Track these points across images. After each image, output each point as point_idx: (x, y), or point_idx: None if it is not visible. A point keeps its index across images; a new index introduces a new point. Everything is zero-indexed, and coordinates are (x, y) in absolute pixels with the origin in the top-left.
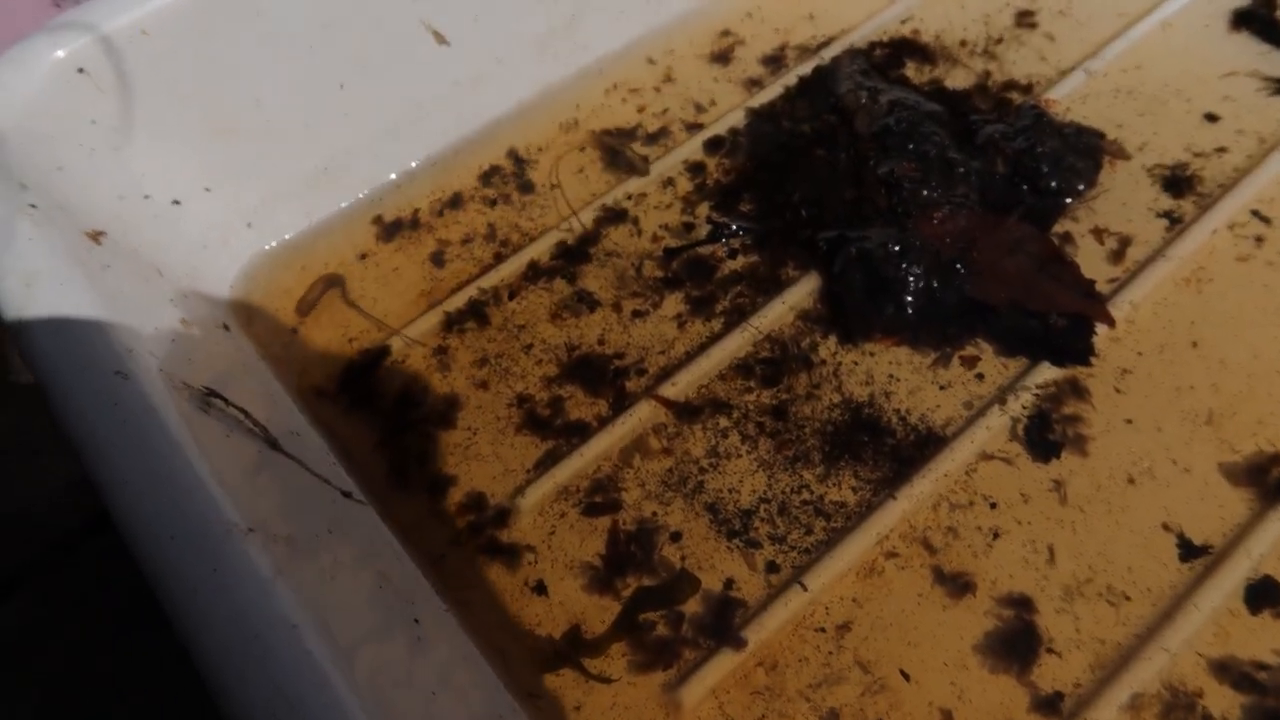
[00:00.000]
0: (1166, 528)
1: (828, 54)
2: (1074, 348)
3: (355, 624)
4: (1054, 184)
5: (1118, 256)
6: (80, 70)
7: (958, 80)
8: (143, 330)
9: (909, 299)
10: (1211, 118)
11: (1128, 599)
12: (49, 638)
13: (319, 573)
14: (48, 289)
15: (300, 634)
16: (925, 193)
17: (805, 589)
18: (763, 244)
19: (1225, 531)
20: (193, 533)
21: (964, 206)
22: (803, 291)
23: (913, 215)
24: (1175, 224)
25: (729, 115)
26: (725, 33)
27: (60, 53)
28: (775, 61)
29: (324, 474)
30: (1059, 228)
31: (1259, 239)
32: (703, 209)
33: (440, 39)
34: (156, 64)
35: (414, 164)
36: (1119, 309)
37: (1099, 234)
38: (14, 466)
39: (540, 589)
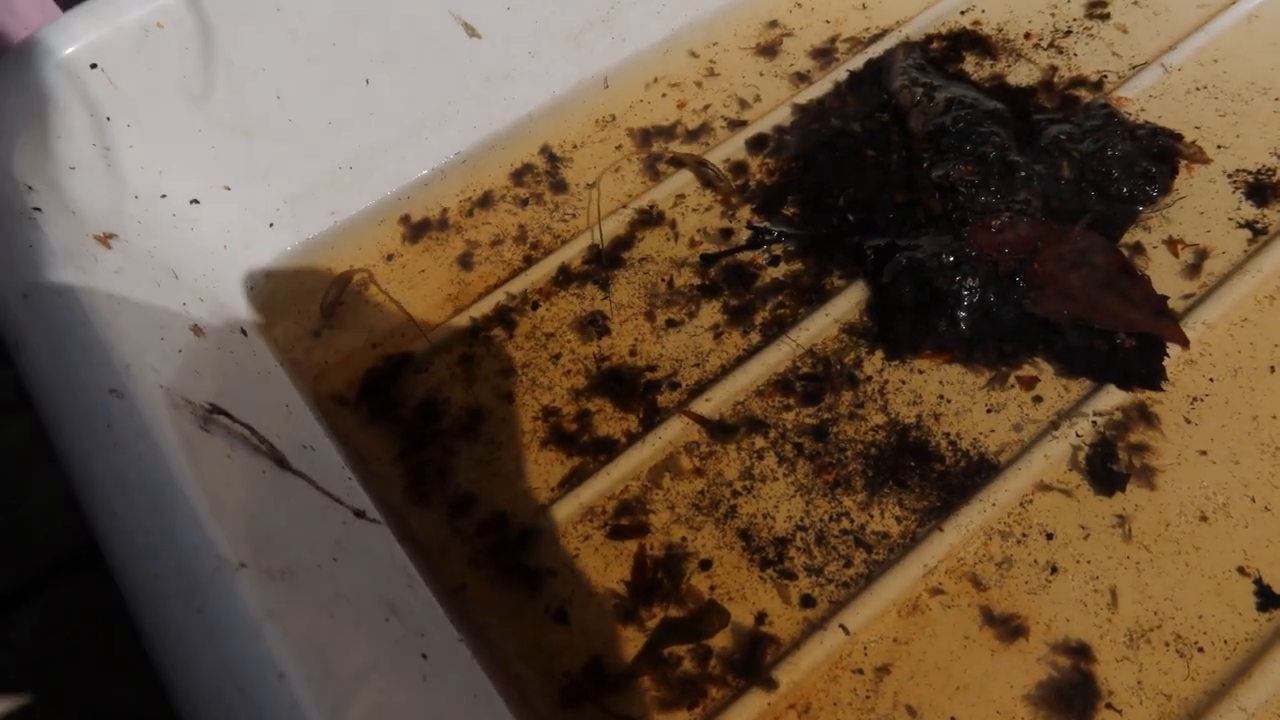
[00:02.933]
0: (1243, 571)
1: (881, 47)
2: (1143, 370)
3: (355, 662)
4: (1125, 190)
5: (1194, 270)
6: (93, 65)
7: (1021, 76)
8: (148, 342)
9: (962, 314)
10: None
11: (1199, 650)
12: (59, 650)
13: (318, 608)
14: (45, 302)
15: (288, 685)
16: (983, 198)
17: (845, 629)
18: (807, 251)
19: None
20: (180, 570)
21: (1025, 214)
22: (848, 303)
23: (969, 223)
24: (1259, 235)
25: (774, 112)
26: (773, 24)
27: (72, 47)
28: (825, 55)
29: (336, 492)
30: (1129, 238)
31: None
32: (744, 212)
33: (471, 31)
34: (172, 58)
35: (443, 161)
36: (1194, 328)
37: (1174, 245)
38: (30, 474)
39: (562, 616)
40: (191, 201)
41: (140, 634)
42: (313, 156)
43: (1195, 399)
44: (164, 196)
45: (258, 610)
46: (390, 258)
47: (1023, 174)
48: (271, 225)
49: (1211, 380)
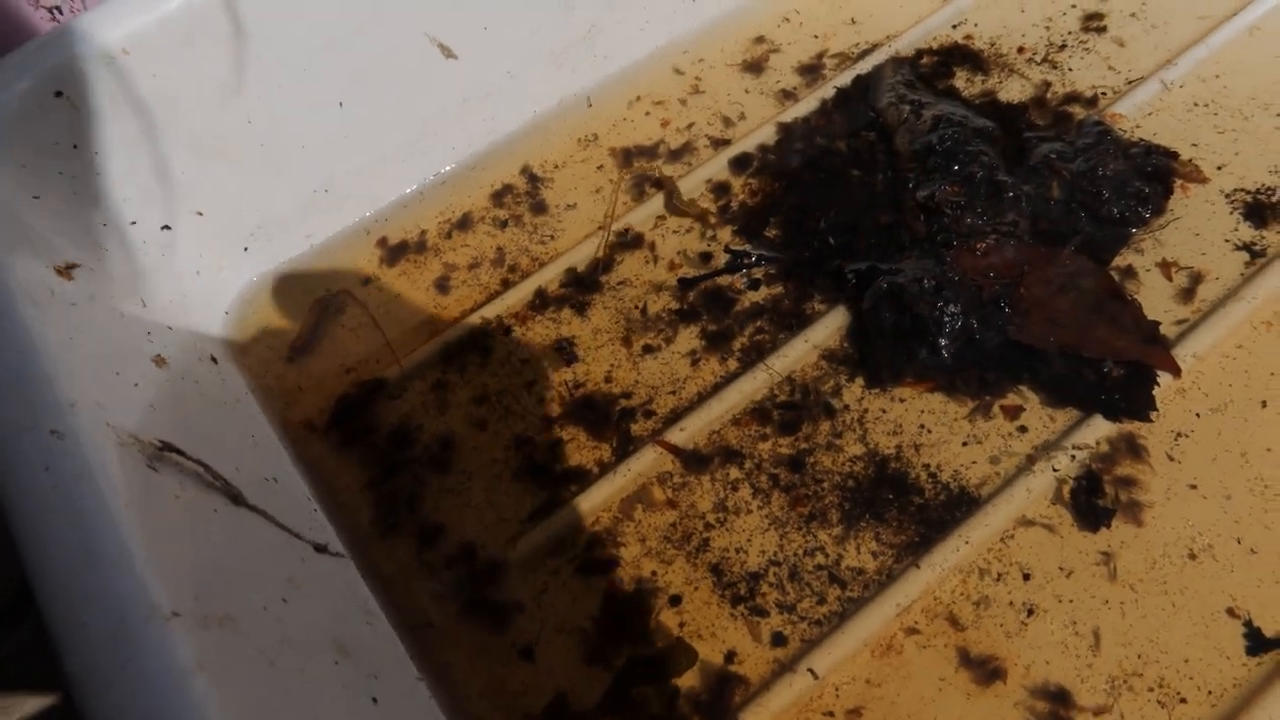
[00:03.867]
0: (1232, 614)
1: (870, 63)
2: (1132, 401)
3: (296, 712)
4: (1116, 211)
5: (1188, 295)
6: (58, 94)
7: (1013, 92)
8: (99, 377)
9: (944, 341)
10: None
11: (1182, 700)
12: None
13: (258, 656)
14: None
15: None
16: (969, 220)
17: (813, 673)
18: (788, 274)
19: None
20: (110, 618)
21: (1012, 236)
22: (828, 329)
23: (953, 246)
24: (1256, 258)
25: (759, 131)
26: (759, 39)
27: (34, 76)
28: (812, 71)
29: (297, 525)
30: (1120, 261)
31: None
32: (725, 234)
33: (447, 53)
34: (139, 84)
35: (421, 183)
36: (1186, 356)
37: (1167, 268)
38: None
39: (527, 654)
40: (163, 228)
41: (67, 684)
42: (287, 180)
43: (1186, 431)
44: (134, 223)
45: (188, 661)
46: (367, 281)
47: (1010, 194)
48: (246, 250)
49: (1208, 409)
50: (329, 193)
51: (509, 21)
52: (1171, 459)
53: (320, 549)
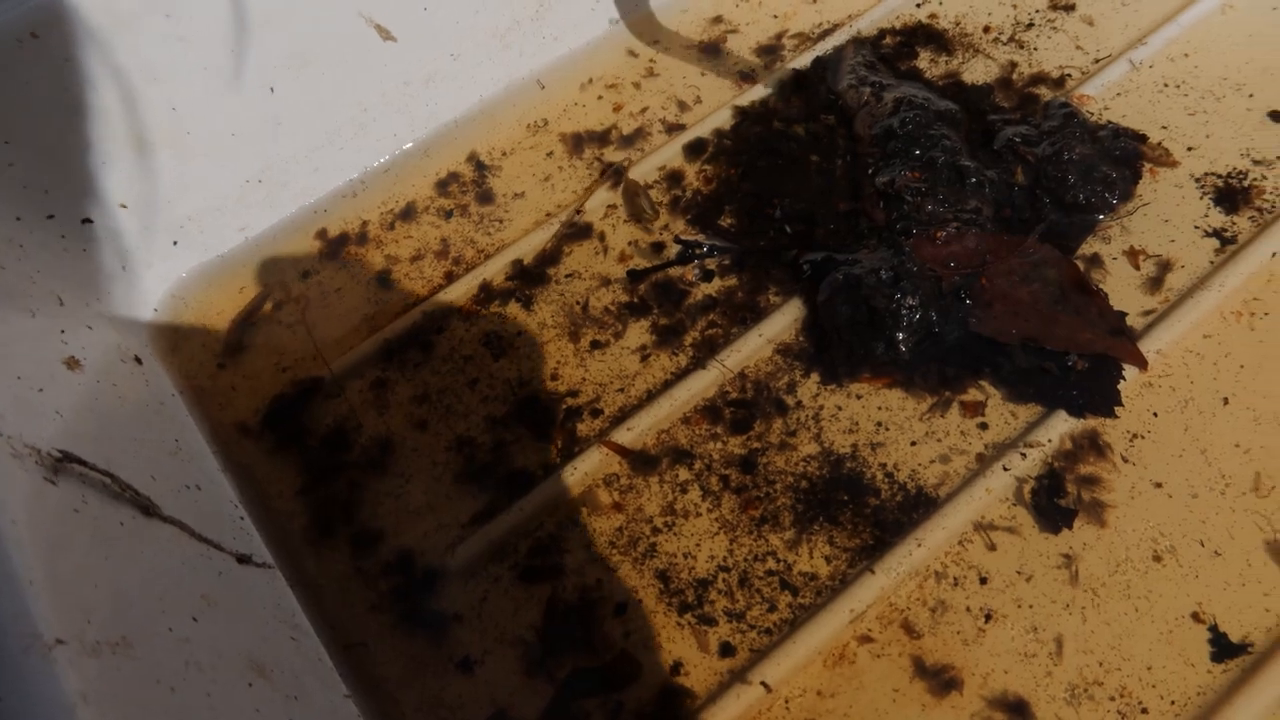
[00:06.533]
0: (1197, 618)
1: (830, 44)
2: (1097, 396)
3: None
4: (1082, 197)
5: (1156, 284)
6: None
7: (978, 73)
8: None
9: (901, 335)
10: (1277, 116)
11: (1144, 710)
12: None
13: (155, 683)
14: None
15: None
16: (930, 207)
17: (766, 685)
18: (742, 265)
19: (1270, 626)
20: None
21: (974, 224)
22: (783, 322)
23: (913, 235)
24: (1227, 244)
25: (715, 115)
26: (717, 19)
27: None
28: (770, 52)
29: (219, 536)
30: (1086, 249)
31: None
32: (678, 224)
33: (385, 34)
34: (48, 70)
35: (362, 172)
36: (1153, 347)
37: (1134, 256)
38: None
39: (466, 665)
40: (83, 221)
41: None
42: (216, 170)
43: (1151, 427)
44: (51, 217)
45: (71, 694)
46: (306, 275)
47: (973, 180)
48: (175, 244)
49: (1174, 404)
50: (263, 183)
51: (450, 1)
52: (1136, 456)
53: (244, 560)
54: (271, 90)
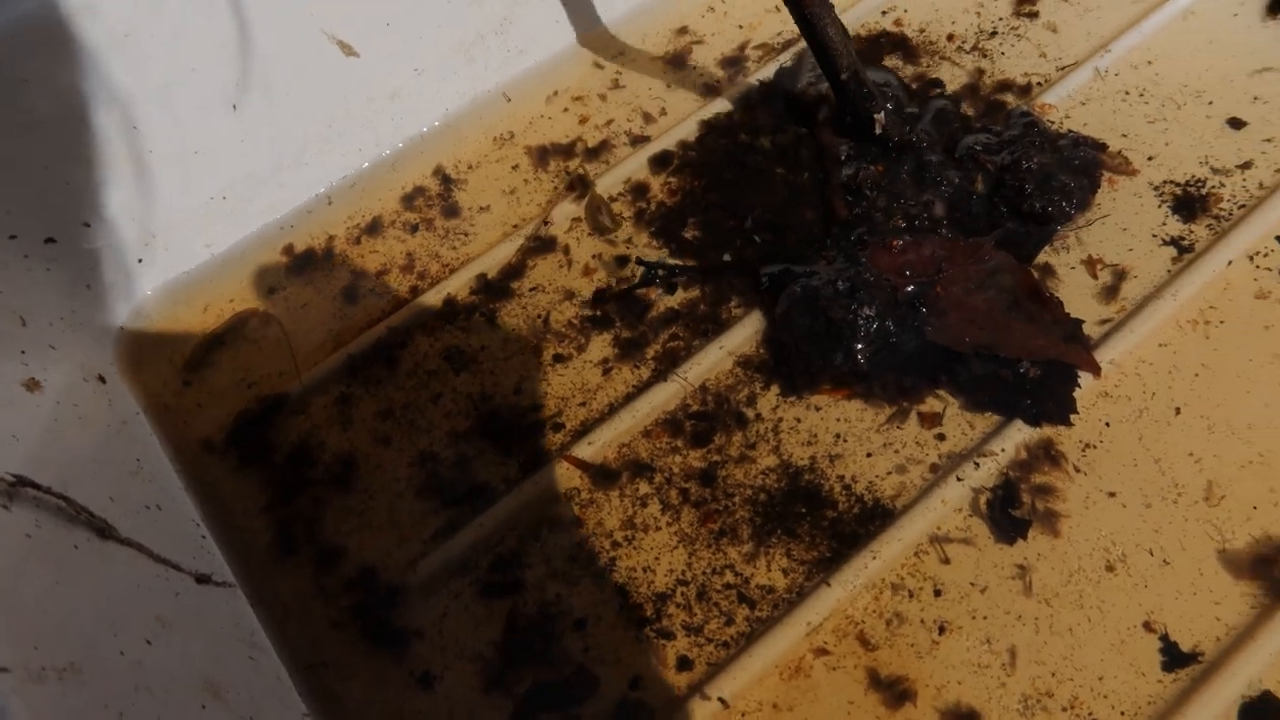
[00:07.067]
0: (1149, 628)
1: (793, 53)
2: (1052, 403)
3: None
4: (1039, 206)
5: (1112, 293)
6: None
7: (945, 80)
8: None
9: (859, 345)
10: (1236, 124)
11: None
12: None
13: (103, 709)
14: None
15: None
16: (883, 202)
17: (724, 701)
18: (705, 277)
19: (1220, 635)
20: None
21: (925, 218)
22: (744, 334)
23: (867, 245)
24: (1184, 253)
25: (680, 126)
26: (683, 30)
27: None
28: (735, 64)
29: (175, 557)
30: (1044, 257)
31: None
32: (642, 236)
33: (348, 50)
34: (8, 90)
35: (328, 187)
36: (1108, 355)
37: (1092, 265)
38: None
39: (426, 681)
40: (46, 240)
41: None
42: (181, 188)
43: (1105, 437)
44: (13, 237)
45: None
46: (272, 290)
47: (934, 177)
48: (141, 261)
49: (1129, 412)
50: (228, 199)
51: (413, 16)
52: (1090, 466)
53: (203, 580)
54: (234, 108)
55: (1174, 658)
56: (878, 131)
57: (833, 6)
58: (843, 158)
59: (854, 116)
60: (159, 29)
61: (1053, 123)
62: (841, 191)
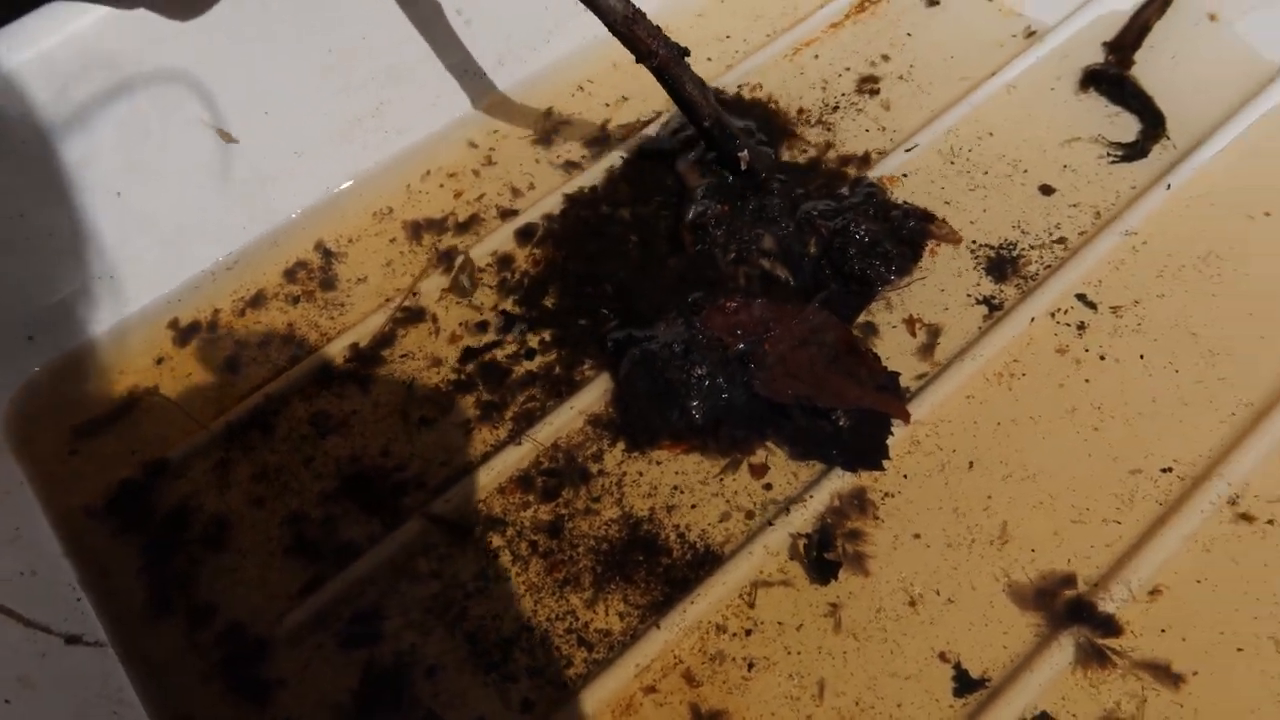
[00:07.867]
0: (944, 657)
1: (655, 127)
2: (866, 450)
3: None
4: (859, 269)
5: (928, 350)
6: None
7: (794, 153)
8: None
9: (695, 403)
10: (1046, 190)
11: None
12: None
13: None
14: None
15: None
16: (722, 237)
17: None
18: (561, 342)
19: (1006, 661)
20: None
21: (756, 251)
22: (594, 394)
23: (703, 309)
24: (994, 311)
25: (546, 200)
26: (549, 113)
27: None
28: (598, 143)
29: (46, 620)
30: (868, 317)
31: (1081, 326)
32: (506, 304)
33: (227, 138)
34: None
35: (212, 264)
36: (922, 407)
37: (912, 324)
38: None
39: None
40: None
41: None
42: (66, 269)
43: (914, 483)
44: None
45: None
46: (160, 361)
47: (773, 215)
48: (31, 338)
49: (934, 459)
50: (114, 279)
51: (289, 104)
52: (898, 510)
53: (73, 640)
54: (118, 195)
55: (964, 684)
56: (743, 168)
57: (688, 66)
58: (699, 196)
59: (720, 157)
60: (35, 125)
61: (891, 194)
62: (691, 227)
